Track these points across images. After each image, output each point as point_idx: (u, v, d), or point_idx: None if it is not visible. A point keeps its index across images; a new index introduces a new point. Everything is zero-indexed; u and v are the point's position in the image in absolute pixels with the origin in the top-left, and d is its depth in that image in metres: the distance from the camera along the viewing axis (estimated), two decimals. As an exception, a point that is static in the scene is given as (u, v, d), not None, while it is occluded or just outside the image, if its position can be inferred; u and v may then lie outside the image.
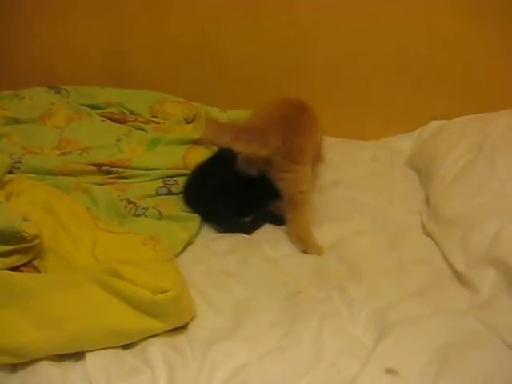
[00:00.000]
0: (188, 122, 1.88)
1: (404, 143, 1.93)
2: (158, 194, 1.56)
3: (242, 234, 1.42)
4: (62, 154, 1.70)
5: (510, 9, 1.72)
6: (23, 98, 1.99)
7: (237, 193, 1.46)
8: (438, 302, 1.13)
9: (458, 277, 1.22)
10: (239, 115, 1.86)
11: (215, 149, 1.69)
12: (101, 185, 1.55)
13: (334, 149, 1.92)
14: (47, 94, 2.01)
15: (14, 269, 1.11)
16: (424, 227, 1.43)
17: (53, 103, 1.96)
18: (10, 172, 1.54)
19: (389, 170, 1.78)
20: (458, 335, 1.01)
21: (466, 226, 1.30)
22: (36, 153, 1.68)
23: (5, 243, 1.10)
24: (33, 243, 1.11)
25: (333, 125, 1.99)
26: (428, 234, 1.40)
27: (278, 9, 1.92)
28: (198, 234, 1.42)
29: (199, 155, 1.66)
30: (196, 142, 1.71)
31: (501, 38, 1.77)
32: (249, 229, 1.44)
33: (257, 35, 1.98)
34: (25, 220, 1.11)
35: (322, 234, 1.43)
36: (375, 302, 1.13)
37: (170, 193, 1.57)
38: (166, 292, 1.01)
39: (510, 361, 0.95)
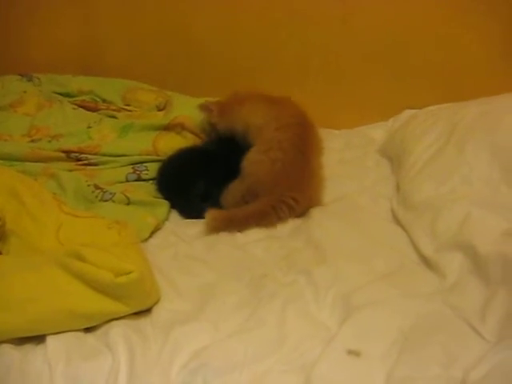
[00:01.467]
0: (160, 110, 1.86)
1: (377, 132, 1.93)
2: (127, 180, 1.54)
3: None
4: (32, 141, 1.67)
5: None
6: (-6, 85, 1.97)
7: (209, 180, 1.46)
8: (405, 286, 1.12)
9: (426, 261, 1.22)
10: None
11: (186, 135, 1.68)
12: (69, 171, 1.53)
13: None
14: (19, 82, 1.99)
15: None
16: (393, 214, 1.43)
17: (24, 91, 1.94)
18: (-24, 159, 1.53)
19: (361, 157, 1.79)
20: (423, 318, 1.01)
21: (435, 212, 1.30)
22: (5, 140, 1.65)
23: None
24: (-3, 223, 1.09)
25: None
26: (397, 222, 1.40)
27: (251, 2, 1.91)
28: (166, 219, 1.40)
29: (170, 141, 1.65)
30: (166, 128, 1.69)
31: (474, 27, 1.78)
32: None
33: (231, 24, 1.97)
34: (-15, 203, 1.09)
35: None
36: (341, 286, 1.12)
37: (139, 179, 1.56)
38: (128, 274, 1.00)
39: (473, 342, 0.95)
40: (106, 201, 1.38)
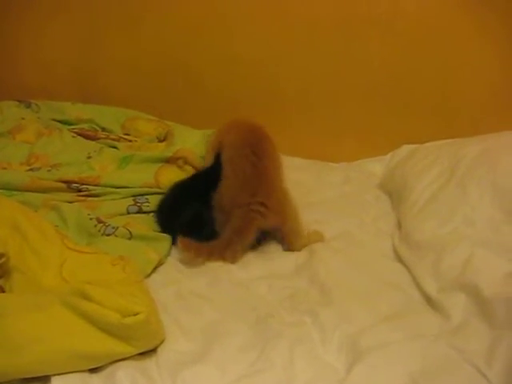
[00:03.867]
0: (160, 141, 1.86)
1: (376, 166, 1.95)
2: (128, 213, 1.53)
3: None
4: (31, 169, 1.66)
5: (477, 36, 1.77)
6: (-8, 111, 1.95)
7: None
8: (410, 327, 1.12)
9: (430, 302, 1.22)
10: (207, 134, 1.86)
11: (188, 168, 1.68)
12: (70, 202, 1.52)
13: (306, 170, 1.93)
14: (17, 109, 1.98)
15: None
16: (395, 252, 1.44)
17: (23, 118, 1.93)
18: (-24, 188, 1.51)
19: (360, 192, 1.79)
20: (430, 361, 1.01)
21: (438, 251, 1.31)
22: (4, 168, 1.64)
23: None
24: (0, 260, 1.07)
25: (304, 146, 2.03)
26: (399, 259, 1.41)
27: (250, 29, 1.95)
28: (168, 254, 1.39)
29: (171, 174, 1.65)
30: (168, 161, 1.69)
31: (473, 64, 1.82)
32: None
33: (229, 55, 1.99)
34: (-11, 237, 1.07)
35: (293, 255, 1.43)
36: (347, 327, 1.12)
37: (140, 211, 1.54)
38: (135, 315, 0.98)
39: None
40: (108, 235, 1.36)
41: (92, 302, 1.00)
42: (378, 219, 1.63)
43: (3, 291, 1.09)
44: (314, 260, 1.38)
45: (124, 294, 1.05)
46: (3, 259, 1.09)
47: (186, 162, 1.67)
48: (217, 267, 1.35)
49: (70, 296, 1.02)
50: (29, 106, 2.01)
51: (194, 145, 1.69)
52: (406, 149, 1.89)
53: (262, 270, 1.36)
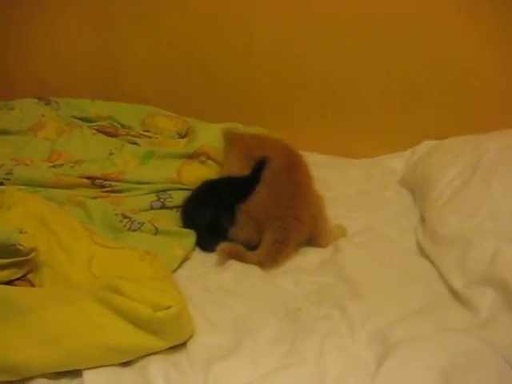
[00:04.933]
0: (181, 137, 1.86)
1: (396, 162, 1.94)
2: (152, 208, 1.53)
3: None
4: (53, 166, 1.67)
5: (499, 30, 1.76)
6: (12, 108, 1.97)
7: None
8: (439, 321, 1.12)
9: (457, 297, 1.21)
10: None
11: (210, 164, 1.68)
12: (94, 198, 1.53)
13: (326, 166, 1.93)
14: (37, 106, 1.99)
15: (8, 283, 1.07)
16: (420, 247, 1.43)
17: (43, 115, 1.94)
18: (0, 183, 1.52)
19: (382, 188, 1.79)
20: (461, 354, 1.00)
21: (464, 246, 1.30)
22: (26, 164, 1.65)
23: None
24: (28, 256, 1.08)
25: (324, 142, 2.03)
26: (424, 255, 1.40)
27: (272, 24, 1.94)
28: (193, 250, 1.40)
29: (194, 170, 1.65)
30: (190, 157, 1.69)
31: (495, 58, 1.80)
32: None
33: (249, 50, 1.99)
34: (21, 232, 1.08)
35: (317, 251, 1.43)
36: (376, 320, 1.11)
37: (164, 207, 1.55)
38: (166, 309, 0.99)
39: (512, 381, 0.95)
40: (134, 230, 1.37)
41: (123, 296, 1.00)
42: (400, 215, 1.62)
43: (32, 285, 1.09)
44: (339, 255, 1.37)
45: (154, 288, 1.06)
46: (33, 254, 1.09)
47: (209, 158, 1.66)
48: (240, 263, 1.35)
49: (101, 291, 1.02)
50: (48, 103, 2.02)
51: (216, 140, 1.68)
52: (426, 145, 1.89)
53: (288, 266, 1.36)
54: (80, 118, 1.99)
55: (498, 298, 1.14)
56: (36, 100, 2.02)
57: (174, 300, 1.01)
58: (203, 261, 1.37)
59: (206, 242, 1.41)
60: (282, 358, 1.02)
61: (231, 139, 1.65)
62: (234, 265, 1.34)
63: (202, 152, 1.67)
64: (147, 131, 1.96)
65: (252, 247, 1.38)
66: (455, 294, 1.22)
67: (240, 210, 1.41)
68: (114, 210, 1.42)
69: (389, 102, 1.97)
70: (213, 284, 1.26)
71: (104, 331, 0.98)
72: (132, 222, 1.38)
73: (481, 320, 1.12)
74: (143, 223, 1.38)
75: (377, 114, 1.99)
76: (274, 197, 1.42)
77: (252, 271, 1.31)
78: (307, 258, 1.40)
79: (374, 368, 1.00)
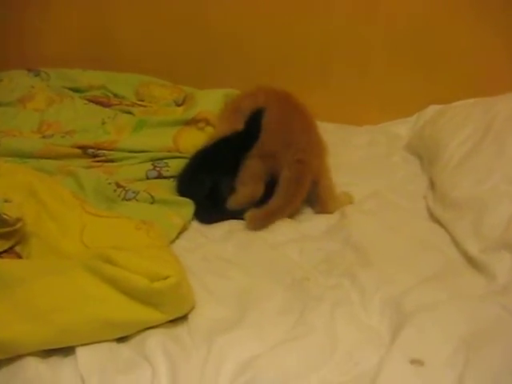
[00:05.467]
0: (178, 105, 1.77)
1: (401, 128, 1.87)
2: (147, 178, 1.46)
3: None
4: (44, 137, 1.59)
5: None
6: (1, 80, 1.89)
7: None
8: (454, 288, 1.05)
9: (472, 262, 1.15)
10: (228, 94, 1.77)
11: (209, 130, 1.59)
12: (87, 168, 1.45)
13: (330, 134, 1.81)
14: (26, 77, 1.90)
15: (-6, 255, 1.00)
16: (431, 212, 1.36)
17: (32, 86, 1.85)
18: (-12, 156, 1.44)
19: (387, 154, 1.72)
20: (480, 322, 0.94)
21: (478, 210, 1.23)
22: (14, 135, 1.57)
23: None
24: (15, 227, 1.01)
25: (327, 110, 1.93)
26: (434, 220, 1.33)
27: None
28: (191, 219, 1.32)
29: (191, 137, 1.57)
30: (188, 123, 1.60)
31: (501, 23, 1.71)
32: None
33: (249, 12, 1.89)
34: (6, 201, 1.01)
35: (323, 218, 1.36)
36: (388, 289, 1.05)
37: (160, 176, 1.47)
38: (165, 279, 0.92)
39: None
40: (128, 200, 1.29)
41: (117, 267, 0.93)
42: (407, 181, 1.55)
43: (20, 258, 1.02)
44: (346, 222, 1.30)
45: (151, 257, 0.99)
46: (20, 224, 1.02)
47: (208, 124, 1.58)
48: (242, 231, 1.29)
49: (93, 261, 0.95)
50: (38, 74, 1.94)
51: (215, 105, 1.60)
52: (432, 109, 1.82)
53: (292, 233, 1.29)
54: (71, 89, 1.90)
55: (516, 263, 1.08)
56: (25, 71, 1.93)
57: (173, 269, 0.94)
58: (203, 231, 1.30)
59: (205, 214, 1.33)
60: (291, 329, 0.95)
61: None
62: (234, 234, 1.28)
63: (201, 118, 1.59)
64: (142, 101, 1.88)
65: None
66: (470, 259, 1.16)
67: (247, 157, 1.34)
68: (106, 179, 1.34)
69: (394, 66, 1.88)
70: (213, 254, 1.19)
71: (98, 304, 0.90)
72: (126, 192, 1.30)
73: (499, 286, 1.06)
74: (138, 192, 1.31)
75: (381, 80, 1.90)
76: (280, 137, 1.35)
77: (254, 241, 1.25)
78: (313, 226, 1.33)
79: (389, 338, 0.94)
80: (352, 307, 1.01)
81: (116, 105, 1.82)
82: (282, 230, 1.29)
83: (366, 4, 1.79)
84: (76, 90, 1.90)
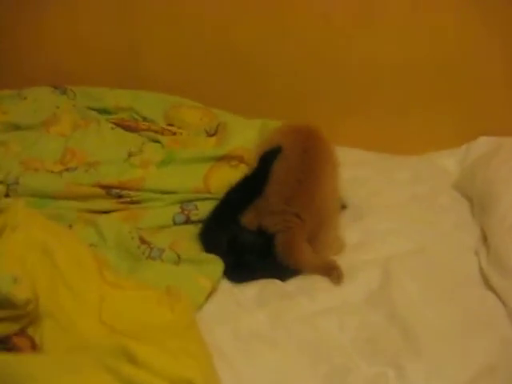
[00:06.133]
0: (210, 135, 1.66)
1: (448, 161, 1.74)
2: (174, 223, 1.36)
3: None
4: (66, 169, 1.50)
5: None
6: (25, 98, 1.79)
7: None
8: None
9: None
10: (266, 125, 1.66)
11: (242, 168, 1.48)
12: (110, 211, 1.36)
13: (369, 165, 1.73)
14: (52, 96, 1.81)
15: (4, 339, 0.91)
16: (484, 277, 1.24)
17: (58, 106, 1.76)
18: (7, 194, 1.36)
19: (434, 194, 1.58)
20: None
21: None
22: (36, 169, 1.48)
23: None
24: (25, 310, 0.92)
25: (368, 137, 1.82)
26: (488, 286, 1.21)
27: (310, 4, 1.68)
28: (220, 279, 1.22)
29: (223, 176, 1.45)
30: (220, 160, 1.50)
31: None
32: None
33: (284, 34, 1.74)
34: (15, 281, 0.92)
35: (364, 279, 1.23)
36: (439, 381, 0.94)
37: (188, 221, 1.37)
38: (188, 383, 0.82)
39: None
40: (153, 259, 1.20)
41: (138, 367, 0.83)
42: (457, 228, 1.43)
43: (33, 342, 0.93)
44: (392, 285, 1.19)
45: (175, 350, 0.88)
46: (31, 306, 0.93)
47: (242, 162, 1.47)
48: (275, 294, 1.18)
49: (111, 356, 0.85)
50: (64, 92, 1.84)
51: (250, 141, 1.49)
52: (483, 141, 1.69)
53: (331, 300, 1.17)
54: (97, 109, 1.80)
55: None
56: (51, 88, 1.84)
57: (198, 370, 0.85)
58: (232, 292, 1.19)
59: (231, 273, 1.22)
60: None
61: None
62: (266, 298, 1.17)
63: (235, 155, 1.48)
64: (171, 125, 1.77)
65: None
66: None
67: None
68: (130, 232, 1.24)
69: (441, 92, 1.73)
70: (244, 328, 1.09)
71: None
72: (151, 249, 1.21)
73: None
74: (164, 250, 1.21)
75: (427, 106, 1.75)
76: (276, 186, 1.25)
77: (289, 309, 1.14)
78: (352, 289, 1.21)
79: None
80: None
81: (144, 130, 1.71)
82: (321, 296, 1.18)
83: (415, 26, 1.64)
84: (102, 111, 1.80)
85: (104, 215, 1.32)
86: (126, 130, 1.72)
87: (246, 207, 1.24)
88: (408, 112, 1.79)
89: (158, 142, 1.65)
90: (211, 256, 1.23)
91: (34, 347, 0.92)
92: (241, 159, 1.48)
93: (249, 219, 1.23)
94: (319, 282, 1.21)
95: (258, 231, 1.22)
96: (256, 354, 1.03)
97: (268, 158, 1.27)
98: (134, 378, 0.82)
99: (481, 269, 1.27)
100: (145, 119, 1.78)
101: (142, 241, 1.23)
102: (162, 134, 1.70)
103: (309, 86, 1.79)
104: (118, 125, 1.74)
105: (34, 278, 0.99)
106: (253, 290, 1.20)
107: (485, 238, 1.35)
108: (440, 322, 1.10)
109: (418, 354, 1.01)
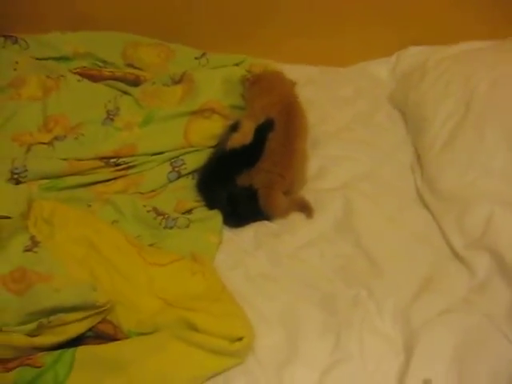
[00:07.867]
0: (176, 82, 1.81)
1: (381, 70, 2.01)
2: (170, 181, 1.61)
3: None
4: (56, 138, 1.65)
5: None
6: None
7: None
8: (447, 291, 1.30)
9: (457, 257, 1.39)
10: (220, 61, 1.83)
11: (215, 117, 1.69)
12: (112, 179, 1.58)
13: (315, 83, 1.96)
14: (5, 51, 1.84)
15: (92, 327, 1.21)
16: (420, 196, 1.57)
17: (16, 61, 1.81)
18: (19, 182, 1.53)
19: (373, 110, 1.86)
20: (468, 332, 1.20)
21: (460, 206, 1.44)
22: (30, 144, 1.62)
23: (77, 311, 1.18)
24: (105, 307, 1.21)
25: (311, 54, 2.01)
26: (424, 204, 1.54)
27: None
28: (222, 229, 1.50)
29: (200, 128, 1.68)
30: (194, 113, 1.69)
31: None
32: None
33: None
34: (95, 289, 1.19)
35: (331, 212, 1.54)
36: (396, 299, 1.30)
37: (180, 175, 1.62)
38: (240, 339, 1.17)
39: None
40: (170, 228, 1.45)
41: (201, 333, 1.16)
42: (396, 148, 1.73)
43: (114, 325, 1.22)
44: (353, 214, 1.50)
45: (220, 313, 1.22)
46: (109, 305, 1.20)
47: (214, 112, 1.68)
48: (266, 235, 1.50)
49: (178, 328, 1.18)
50: (15, 41, 1.87)
51: (219, 93, 1.69)
52: (413, 51, 1.96)
53: (308, 233, 1.49)
54: (55, 58, 1.86)
55: (493, 264, 1.32)
56: (2, 38, 1.86)
57: (245, 328, 1.19)
58: (231, 238, 1.49)
59: (231, 221, 1.52)
60: (330, 355, 1.21)
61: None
62: (261, 240, 1.49)
63: (207, 108, 1.68)
64: (130, 65, 1.89)
65: None
66: (456, 254, 1.40)
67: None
68: (144, 206, 1.48)
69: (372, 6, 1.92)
70: (252, 270, 1.39)
71: (193, 367, 1.15)
72: (167, 219, 1.46)
73: (478, 284, 1.31)
74: (177, 218, 1.46)
75: (360, 18, 1.97)
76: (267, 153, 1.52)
77: (281, 248, 1.45)
78: (322, 219, 1.53)
79: (401, 347, 1.24)
80: (374, 323, 1.27)
81: (108, 77, 1.83)
82: (300, 231, 1.51)
83: None
84: (61, 59, 1.87)
85: (117, 194, 1.54)
86: (91, 80, 1.83)
87: (243, 171, 1.50)
88: (344, 25, 1.98)
89: (126, 93, 1.79)
90: (212, 212, 1.51)
91: (115, 329, 1.23)
92: (213, 110, 1.68)
93: (243, 180, 1.51)
94: (298, 220, 1.54)
95: (249, 187, 1.51)
96: (265, 291, 1.34)
97: (263, 130, 1.51)
98: (201, 342, 1.15)
99: (416, 187, 1.60)
100: (104, 62, 1.89)
101: (158, 213, 1.47)
102: (126, 78, 1.84)
103: (255, 13, 1.93)
104: (81, 74, 1.83)
105: (97, 275, 1.26)
106: (249, 234, 1.51)
107: (418, 159, 1.66)
108: (391, 242, 1.44)
109: (381, 275, 1.37)
